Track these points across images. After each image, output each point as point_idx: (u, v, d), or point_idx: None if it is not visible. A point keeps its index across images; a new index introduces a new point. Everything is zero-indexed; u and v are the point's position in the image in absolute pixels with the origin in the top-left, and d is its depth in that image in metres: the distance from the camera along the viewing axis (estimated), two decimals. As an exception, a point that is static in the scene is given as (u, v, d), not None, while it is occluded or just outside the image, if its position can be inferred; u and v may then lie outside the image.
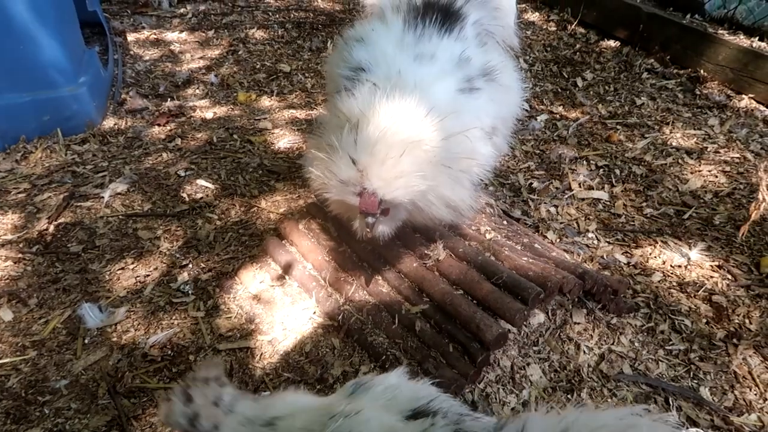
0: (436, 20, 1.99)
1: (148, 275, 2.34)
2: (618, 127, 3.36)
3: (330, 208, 1.99)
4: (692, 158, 3.07)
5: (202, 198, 2.78)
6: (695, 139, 3.24)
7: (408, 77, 1.83)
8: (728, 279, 2.33)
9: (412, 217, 1.93)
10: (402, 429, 1.11)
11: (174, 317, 2.15)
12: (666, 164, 3.03)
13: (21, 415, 1.81)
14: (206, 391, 1.22)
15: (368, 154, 1.63)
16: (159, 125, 3.37)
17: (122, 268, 2.37)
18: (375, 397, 1.20)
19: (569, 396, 1.88)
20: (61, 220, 2.63)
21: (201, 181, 2.88)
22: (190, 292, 2.25)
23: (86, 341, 2.06)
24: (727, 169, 2.98)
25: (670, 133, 3.29)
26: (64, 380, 1.92)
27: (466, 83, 1.90)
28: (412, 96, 1.72)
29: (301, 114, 3.50)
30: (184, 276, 2.33)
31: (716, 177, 2.93)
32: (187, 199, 2.77)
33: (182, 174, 2.94)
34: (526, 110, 3.50)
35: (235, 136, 3.28)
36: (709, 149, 3.14)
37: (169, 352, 2.01)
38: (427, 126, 1.71)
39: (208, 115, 3.50)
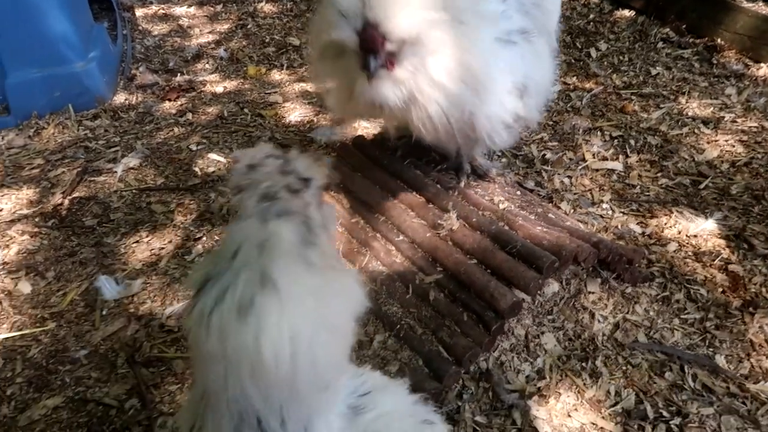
0: None
1: (162, 248, 2.36)
2: (633, 97, 3.31)
3: (329, 95, 1.83)
4: (709, 128, 3.02)
5: (214, 172, 2.78)
6: (712, 108, 3.18)
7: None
8: (745, 248, 2.31)
9: (423, 97, 1.70)
10: None
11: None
12: (682, 134, 2.98)
13: (43, 384, 1.85)
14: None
15: None
16: (169, 100, 3.37)
17: (137, 242, 2.39)
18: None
19: (584, 364, 1.88)
20: (76, 194, 2.65)
21: (213, 155, 2.88)
22: (204, 264, 2.26)
23: (104, 312, 2.09)
24: (745, 138, 2.93)
25: (686, 102, 3.24)
26: (83, 350, 1.95)
27: (505, 35, 1.84)
28: None
29: (311, 87, 3.47)
30: (199, 248, 2.34)
31: (733, 147, 2.88)
32: (199, 173, 2.77)
33: (194, 148, 2.94)
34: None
35: (245, 110, 3.26)
36: (726, 119, 3.08)
37: (186, 322, 2.03)
38: None
39: (219, 89, 3.49)
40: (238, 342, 1.04)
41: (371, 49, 1.56)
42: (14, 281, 2.22)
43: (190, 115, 3.22)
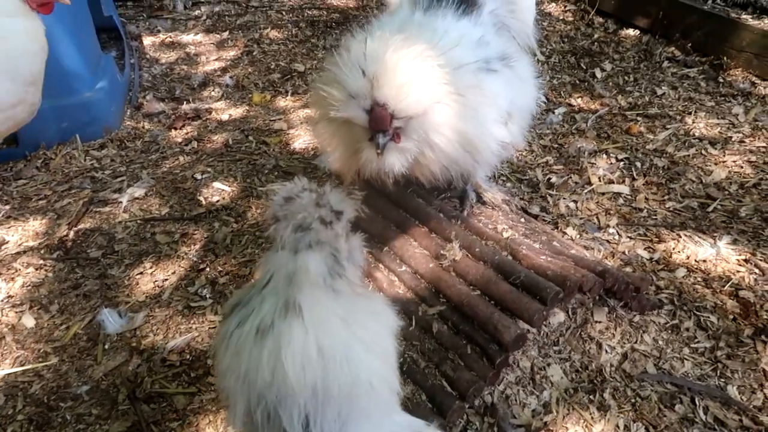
0: (452, 3, 2.02)
1: (166, 279, 2.36)
2: (638, 118, 3.29)
3: (331, 152, 1.95)
4: (716, 148, 2.99)
5: (218, 201, 2.79)
6: (719, 128, 3.15)
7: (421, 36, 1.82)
8: (756, 273, 2.26)
9: (425, 159, 1.85)
10: None
11: (192, 321, 2.16)
12: (689, 155, 2.95)
13: (44, 422, 1.84)
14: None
15: (378, 62, 1.61)
16: (176, 128, 3.40)
17: (141, 273, 2.39)
18: None
19: (591, 396, 1.84)
20: (81, 225, 2.66)
21: (217, 184, 2.89)
22: (207, 295, 2.26)
23: (106, 347, 2.08)
24: (753, 158, 2.89)
25: (693, 123, 3.21)
26: (85, 386, 1.95)
27: (484, 63, 1.88)
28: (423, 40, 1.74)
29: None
30: (202, 279, 2.34)
31: (741, 167, 2.84)
32: (204, 202, 2.78)
33: (199, 177, 2.95)
34: (544, 103, 3.43)
35: (250, 138, 3.28)
36: (733, 139, 3.05)
37: (188, 356, 2.02)
38: (437, 50, 1.71)
39: (224, 117, 3.51)
40: (253, 356, 1.12)
41: (380, 127, 1.65)
42: (18, 315, 2.22)
43: (195, 144, 3.25)
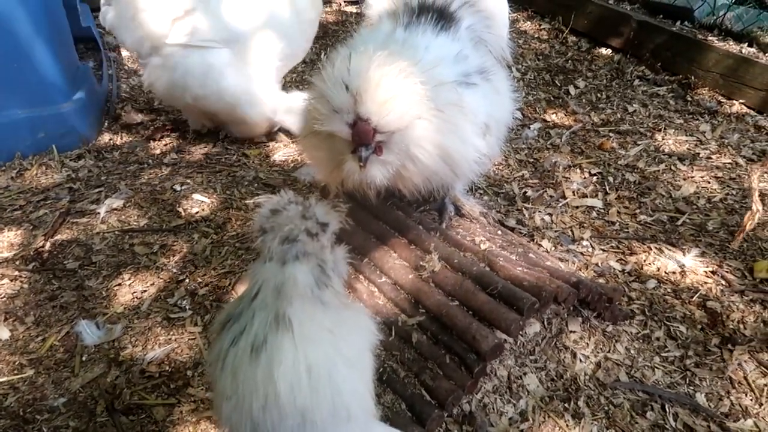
0: (431, 19, 2.07)
1: (145, 291, 2.35)
2: (611, 134, 3.39)
3: (316, 164, 1.99)
4: (684, 164, 3.10)
5: (198, 212, 2.79)
6: (687, 145, 3.26)
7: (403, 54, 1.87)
8: (722, 285, 2.35)
9: (407, 172, 1.90)
10: None
11: (171, 333, 2.15)
12: (659, 171, 3.05)
13: (19, 435, 1.81)
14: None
15: (362, 78, 1.65)
16: (155, 140, 3.39)
17: (119, 284, 2.38)
18: None
19: (566, 404, 1.89)
20: (58, 236, 2.64)
21: (197, 196, 2.89)
22: (187, 307, 2.26)
23: (84, 358, 2.06)
24: (720, 174, 3.00)
25: (662, 139, 3.32)
26: (62, 398, 1.92)
27: (463, 77, 1.94)
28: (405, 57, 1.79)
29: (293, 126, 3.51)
30: (182, 291, 2.33)
31: (709, 183, 2.95)
32: (183, 213, 2.78)
33: (178, 188, 2.95)
34: (519, 119, 3.52)
35: (230, 150, 3.29)
36: (701, 155, 3.17)
37: (167, 368, 2.02)
38: (419, 66, 1.77)
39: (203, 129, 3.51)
40: (248, 378, 1.11)
41: (363, 141, 1.70)
42: (-7, 327, 2.19)
43: (174, 155, 3.24)
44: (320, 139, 1.90)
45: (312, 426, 1.13)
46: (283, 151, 3.26)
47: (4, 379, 2.00)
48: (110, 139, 3.39)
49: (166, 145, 3.35)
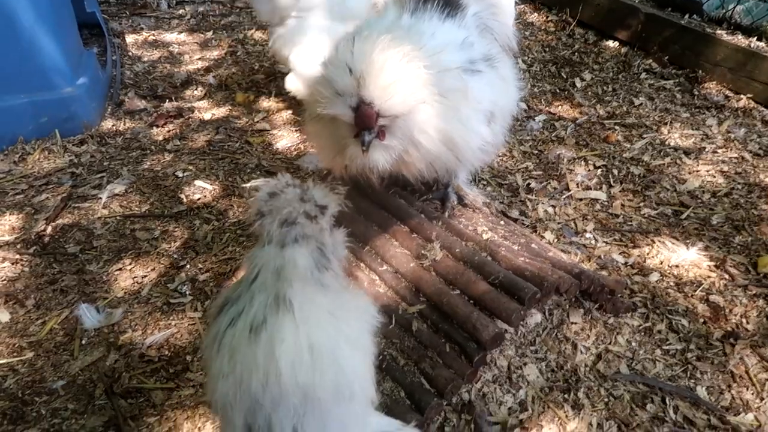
0: (437, 6, 2.06)
1: (145, 276, 2.34)
2: (616, 127, 3.36)
3: (319, 149, 1.97)
4: (690, 158, 3.07)
5: (200, 199, 2.78)
6: (693, 139, 3.24)
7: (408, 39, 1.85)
8: (726, 279, 2.33)
9: (410, 157, 1.89)
10: None
11: (171, 318, 2.15)
12: (664, 164, 3.03)
13: (18, 416, 1.81)
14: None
15: (365, 62, 1.65)
16: (157, 126, 3.38)
17: (120, 269, 2.38)
18: None
19: (566, 395, 1.88)
20: (59, 221, 2.63)
21: (199, 182, 2.88)
22: (187, 292, 2.25)
23: (83, 342, 2.06)
24: (725, 168, 2.98)
25: (668, 133, 3.29)
26: (61, 381, 1.92)
27: (469, 64, 1.92)
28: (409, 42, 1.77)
29: (299, 115, 3.50)
30: (182, 276, 2.33)
31: (714, 177, 2.92)
32: (185, 200, 2.77)
33: (180, 175, 2.94)
34: (524, 110, 3.50)
35: (233, 137, 3.28)
36: (707, 149, 3.14)
37: (167, 352, 2.01)
38: (423, 51, 1.75)
39: (207, 116, 3.50)
40: (247, 357, 1.10)
41: (366, 125, 1.69)
42: (-7, 309, 2.19)
43: (177, 142, 3.23)
44: (323, 123, 1.88)
45: (314, 403, 1.12)
46: (286, 139, 3.25)
47: (4, 361, 2.00)
48: (113, 125, 3.38)
49: (169, 131, 3.34)
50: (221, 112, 3.55)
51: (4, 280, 2.32)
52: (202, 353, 1.22)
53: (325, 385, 1.13)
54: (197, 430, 1.76)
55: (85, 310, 2.14)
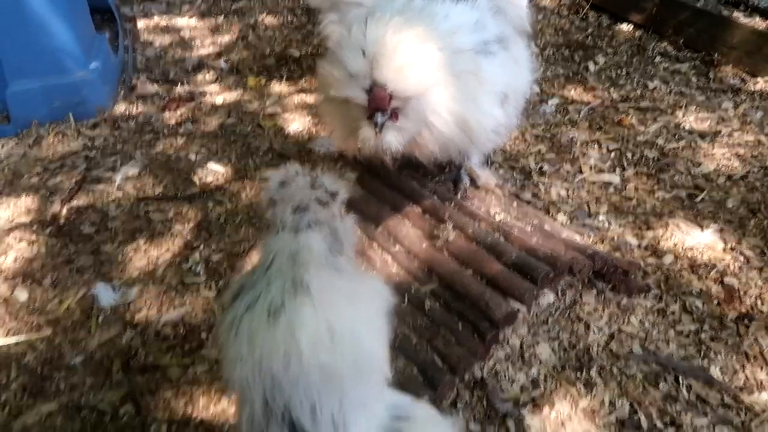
0: None
1: (159, 256, 2.37)
2: (630, 110, 3.33)
3: (334, 132, 1.99)
4: (705, 142, 3.04)
5: (212, 181, 2.80)
6: (709, 122, 3.20)
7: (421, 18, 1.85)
8: (740, 261, 2.31)
9: (423, 139, 1.89)
10: None
11: (186, 297, 2.17)
12: (678, 148, 3.00)
13: (37, 390, 1.85)
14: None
15: (378, 44, 1.65)
16: (170, 110, 3.39)
17: (135, 250, 2.40)
18: None
19: (578, 374, 1.88)
20: (74, 203, 2.66)
21: (212, 165, 2.89)
22: (201, 272, 2.27)
23: (100, 320, 2.09)
24: (741, 152, 2.95)
25: (683, 116, 3.26)
26: (78, 357, 1.95)
27: (482, 45, 1.92)
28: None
29: (310, 98, 3.49)
30: (196, 257, 2.35)
31: (730, 160, 2.90)
32: (198, 182, 2.79)
33: (193, 158, 2.96)
34: (537, 94, 3.47)
35: (245, 121, 3.29)
36: (722, 132, 3.10)
37: (182, 330, 2.04)
38: (436, 33, 1.75)
39: (218, 100, 3.51)
40: (267, 340, 1.11)
41: (379, 107, 1.69)
42: (10, 288, 2.22)
43: (189, 125, 3.25)
44: (336, 105, 1.89)
45: (332, 382, 1.13)
46: (298, 123, 3.25)
47: (23, 338, 2.03)
48: (126, 109, 3.40)
49: (181, 115, 3.35)
50: (233, 96, 3.55)
51: (21, 260, 2.35)
52: (218, 335, 1.23)
53: (344, 365, 1.14)
54: (213, 404, 1.78)
55: (102, 289, 2.17)
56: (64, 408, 1.80)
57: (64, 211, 2.60)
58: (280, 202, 1.22)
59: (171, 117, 3.34)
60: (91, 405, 1.80)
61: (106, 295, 2.15)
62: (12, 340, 2.01)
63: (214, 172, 2.86)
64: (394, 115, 1.78)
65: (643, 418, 1.76)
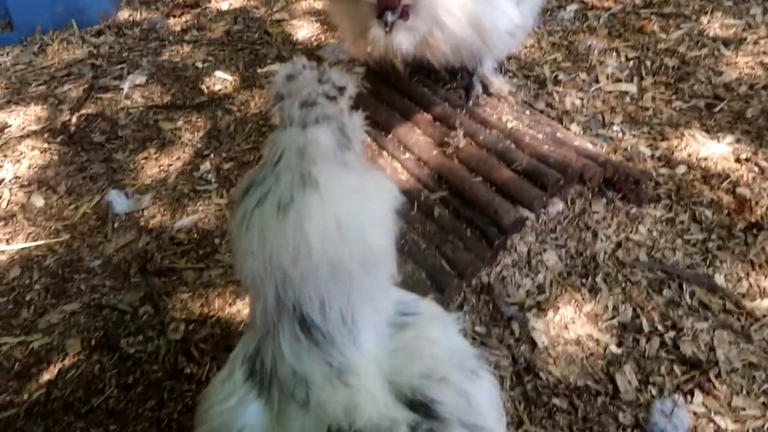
0: None
1: (171, 164, 2.38)
2: (652, 17, 3.18)
3: (343, 34, 1.95)
4: (729, 49, 2.92)
5: (220, 90, 2.76)
6: (734, 29, 3.06)
7: None
8: (755, 172, 2.28)
9: (434, 40, 1.84)
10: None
11: (198, 204, 2.20)
12: (700, 56, 2.89)
13: (60, 291, 1.93)
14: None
15: None
16: (174, 16, 3.29)
17: (146, 158, 2.41)
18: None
19: (584, 280, 1.92)
20: (83, 111, 2.65)
21: (219, 73, 2.84)
22: (213, 180, 2.29)
23: (115, 225, 2.14)
24: (766, 60, 2.83)
25: (708, 23, 3.11)
26: (97, 260, 2.02)
27: None
28: None
29: (319, 4, 3.36)
30: (207, 165, 2.36)
31: (753, 69, 2.79)
32: (206, 90, 2.75)
33: (200, 66, 2.90)
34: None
35: (252, 28, 3.19)
36: (748, 40, 2.97)
37: (195, 236, 2.08)
38: None
39: (224, 6, 3.39)
40: (277, 235, 1.12)
41: (389, 4, 1.63)
42: (27, 195, 2.26)
43: (195, 32, 3.16)
44: (345, 3, 1.82)
45: (341, 277, 1.15)
46: (306, 29, 3.15)
47: (42, 242, 2.09)
48: (130, 15, 3.31)
49: (186, 21, 3.26)
50: (239, 1, 3.43)
51: (35, 167, 2.38)
52: (230, 232, 1.25)
53: (352, 259, 1.16)
54: (228, 305, 1.86)
55: (115, 195, 2.20)
56: (86, 307, 1.88)
57: (74, 119, 2.60)
58: (288, 97, 1.20)
59: (176, 24, 3.25)
60: (111, 305, 1.88)
61: (120, 201, 2.19)
62: (32, 244, 2.07)
63: (222, 80, 2.81)
64: (405, 13, 1.71)
65: (644, 322, 1.80)
